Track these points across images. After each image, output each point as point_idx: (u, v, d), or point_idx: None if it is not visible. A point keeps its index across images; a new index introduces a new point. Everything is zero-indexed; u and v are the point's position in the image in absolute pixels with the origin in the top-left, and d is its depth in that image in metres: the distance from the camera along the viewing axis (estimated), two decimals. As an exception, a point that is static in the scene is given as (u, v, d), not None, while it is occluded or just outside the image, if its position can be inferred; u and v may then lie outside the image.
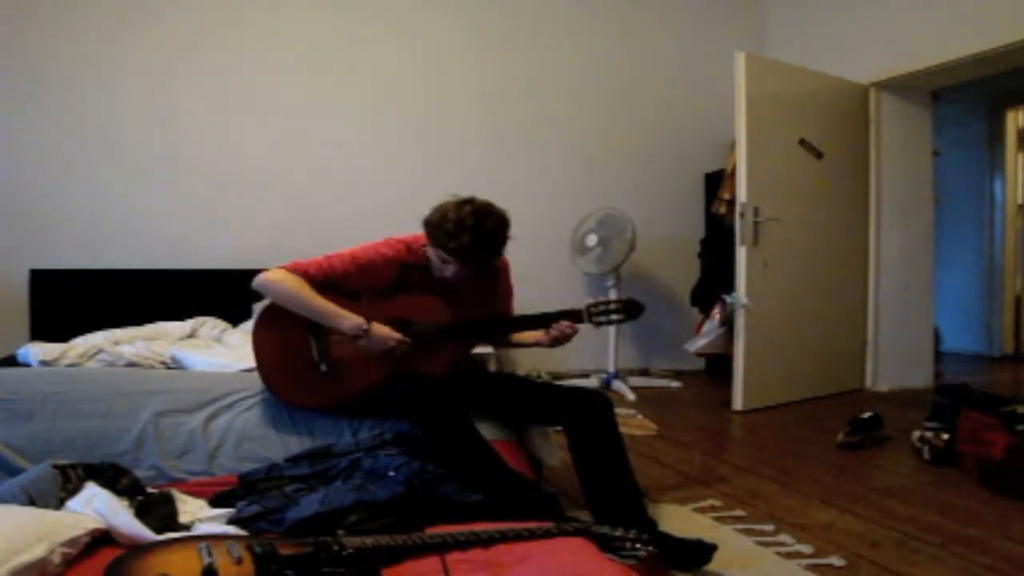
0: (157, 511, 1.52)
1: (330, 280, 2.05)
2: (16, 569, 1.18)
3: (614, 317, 2.13)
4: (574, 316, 2.12)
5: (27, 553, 1.22)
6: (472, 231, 1.94)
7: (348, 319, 2.01)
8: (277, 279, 2.02)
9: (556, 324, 2.11)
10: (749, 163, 3.93)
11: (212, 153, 4.41)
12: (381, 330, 2.01)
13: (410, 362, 2.07)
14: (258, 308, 2.14)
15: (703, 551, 1.89)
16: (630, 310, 2.15)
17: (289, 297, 2.02)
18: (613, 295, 4.60)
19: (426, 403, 1.95)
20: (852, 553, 2.03)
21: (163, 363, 2.80)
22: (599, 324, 2.15)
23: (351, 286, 2.08)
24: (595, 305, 2.14)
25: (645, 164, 5.20)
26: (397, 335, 2.02)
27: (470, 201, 2.00)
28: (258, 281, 2.04)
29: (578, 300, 2.22)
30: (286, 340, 2.07)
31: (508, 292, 2.35)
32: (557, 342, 2.14)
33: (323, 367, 2.06)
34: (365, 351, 2.04)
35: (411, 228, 2.25)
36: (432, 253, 2.05)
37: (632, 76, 5.18)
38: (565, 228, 4.79)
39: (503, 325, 2.27)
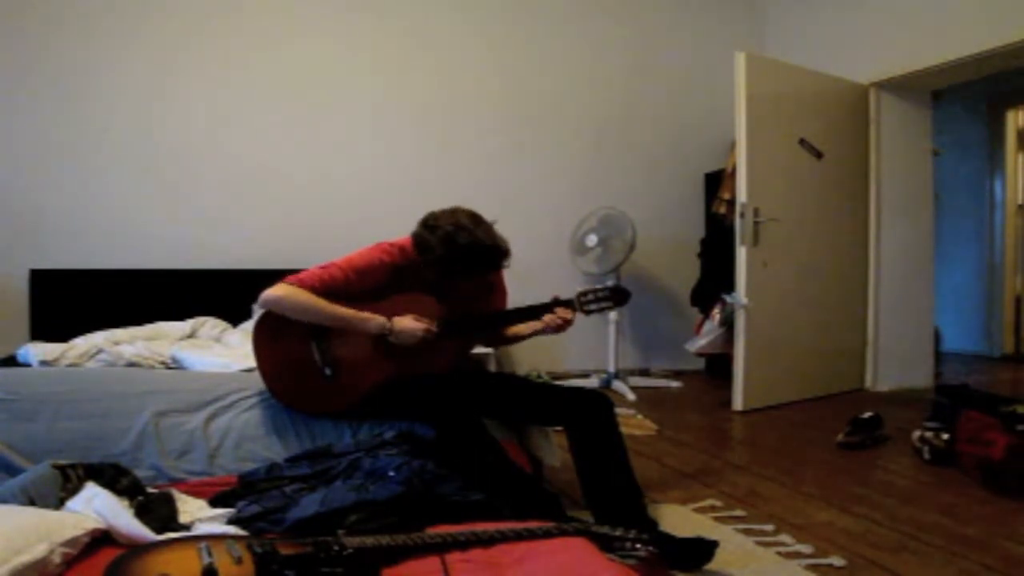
0: (157, 511, 1.52)
1: (331, 289, 2.05)
2: (16, 569, 1.18)
3: (604, 304, 2.19)
4: (567, 304, 2.18)
5: (27, 553, 1.21)
6: (483, 253, 2.03)
7: (372, 320, 2.03)
8: (286, 294, 2.01)
9: (554, 312, 2.15)
10: (749, 163, 3.93)
11: (213, 153, 4.41)
12: (405, 323, 2.03)
13: (414, 361, 2.07)
14: (257, 311, 2.14)
15: (705, 549, 1.89)
16: (617, 297, 2.21)
17: (304, 309, 2.01)
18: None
19: (437, 402, 1.96)
20: (852, 553, 2.03)
21: (163, 363, 2.80)
22: (589, 312, 2.20)
23: (352, 292, 2.08)
24: (584, 294, 2.20)
25: (645, 164, 5.20)
26: (422, 325, 2.04)
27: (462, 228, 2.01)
28: (266, 298, 2.03)
29: (578, 300, 2.23)
30: (288, 349, 2.07)
31: (503, 293, 2.38)
32: (558, 329, 2.17)
33: (328, 371, 2.06)
34: (368, 352, 2.04)
35: (409, 229, 2.26)
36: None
37: (632, 76, 5.18)
38: (565, 228, 4.79)
39: (509, 316, 2.28)
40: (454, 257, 2.00)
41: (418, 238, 2.05)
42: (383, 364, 2.07)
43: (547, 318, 2.16)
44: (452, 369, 2.17)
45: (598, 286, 2.22)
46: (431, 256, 2.02)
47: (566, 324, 2.18)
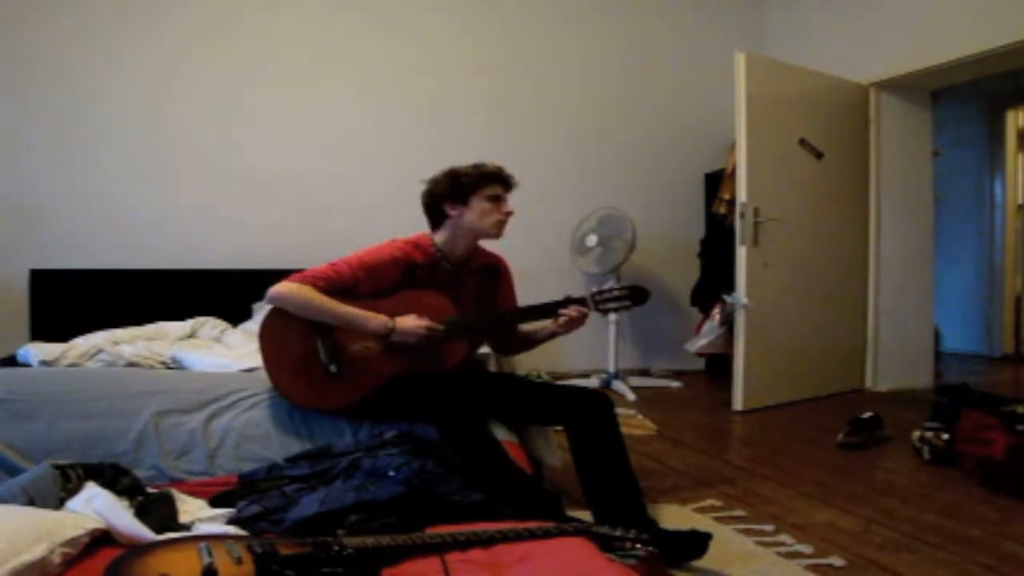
0: (157, 511, 1.52)
1: (337, 287, 2.05)
2: (16, 569, 1.18)
3: (622, 304, 2.18)
4: (580, 302, 2.16)
5: (27, 553, 1.21)
6: (485, 164, 2.19)
7: (373, 319, 2.03)
8: (289, 291, 2.02)
9: (566, 310, 2.14)
10: (749, 163, 3.93)
11: (212, 153, 4.41)
12: (407, 323, 2.03)
13: (424, 358, 2.07)
14: (258, 309, 2.14)
15: (698, 541, 1.89)
16: (636, 296, 2.19)
17: (307, 307, 2.02)
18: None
19: (439, 402, 1.96)
20: (852, 553, 2.03)
21: (163, 363, 2.80)
22: (606, 311, 2.19)
23: (361, 291, 2.08)
24: (599, 292, 2.19)
25: (645, 164, 5.20)
26: (423, 323, 2.03)
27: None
28: (271, 294, 2.05)
29: (578, 300, 2.23)
30: (292, 345, 2.07)
31: (512, 293, 2.39)
32: (570, 327, 2.16)
33: (332, 368, 2.05)
34: (374, 349, 2.04)
35: (408, 226, 2.28)
36: (473, 211, 2.14)
37: (632, 76, 5.18)
38: (565, 228, 4.79)
39: (519, 314, 2.25)
40: (459, 175, 2.14)
41: (447, 190, 2.17)
42: (387, 362, 2.06)
43: (562, 319, 2.14)
44: (463, 366, 2.16)
45: (614, 285, 2.20)
46: (439, 188, 2.15)
47: (580, 323, 2.15)
